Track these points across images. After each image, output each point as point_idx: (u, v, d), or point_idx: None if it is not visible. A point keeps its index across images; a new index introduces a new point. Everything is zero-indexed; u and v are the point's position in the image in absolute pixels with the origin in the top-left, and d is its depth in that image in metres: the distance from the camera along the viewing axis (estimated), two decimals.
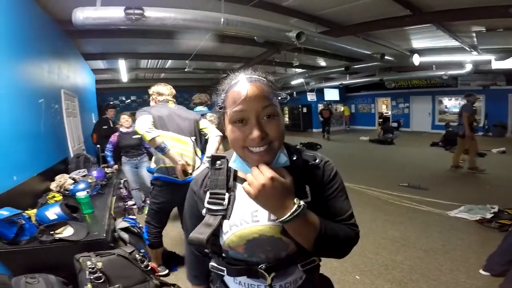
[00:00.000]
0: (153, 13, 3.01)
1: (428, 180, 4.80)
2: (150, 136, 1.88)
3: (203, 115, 2.95)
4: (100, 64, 7.00)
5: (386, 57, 5.69)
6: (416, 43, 6.34)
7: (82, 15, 2.81)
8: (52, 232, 1.56)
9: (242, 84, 0.62)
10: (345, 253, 0.71)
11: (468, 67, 7.43)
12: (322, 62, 8.80)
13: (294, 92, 12.47)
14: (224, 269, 0.73)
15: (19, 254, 1.52)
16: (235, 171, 0.73)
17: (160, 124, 2.08)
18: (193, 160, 2.17)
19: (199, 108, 3.08)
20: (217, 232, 0.70)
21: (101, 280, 1.43)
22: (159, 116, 2.09)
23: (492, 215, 3.18)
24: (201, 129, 2.29)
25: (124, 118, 3.77)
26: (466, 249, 2.64)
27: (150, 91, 2.39)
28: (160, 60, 7.42)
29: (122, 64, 6.36)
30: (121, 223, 2.36)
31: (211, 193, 0.72)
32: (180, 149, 2.11)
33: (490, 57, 6.18)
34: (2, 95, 2.00)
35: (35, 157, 2.48)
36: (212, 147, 2.17)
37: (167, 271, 2.33)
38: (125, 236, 2.29)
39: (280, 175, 0.60)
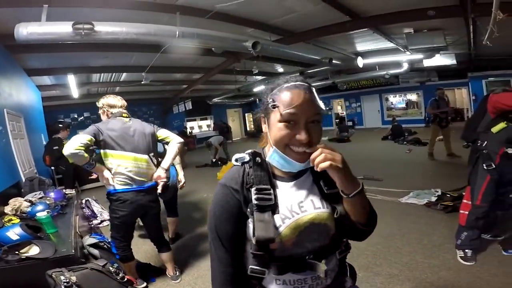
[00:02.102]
0: (103, 28, 2.97)
1: (381, 171, 5.21)
2: (72, 158, 1.81)
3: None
4: (46, 80, 6.53)
5: (334, 61, 6.19)
6: (360, 47, 6.97)
7: (26, 30, 2.69)
8: (17, 251, 1.48)
9: (297, 89, 0.69)
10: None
11: (405, 66, 8.34)
12: (280, 68, 9.20)
13: (257, 99, 12.75)
14: (266, 270, 0.71)
15: None
16: (271, 169, 0.77)
17: (110, 143, 1.99)
18: (150, 176, 2.15)
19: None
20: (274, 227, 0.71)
21: None
22: (110, 136, 1.99)
23: (436, 198, 3.53)
24: (161, 139, 2.25)
25: None
26: (419, 231, 2.86)
27: (99, 104, 2.24)
28: (114, 74, 7.14)
29: (71, 79, 5.98)
30: (88, 240, 2.26)
31: (257, 189, 0.72)
32: (134, 167, 2.05)
33: (420, 56, 7.00)
34: None
35: None
36: (171, 153, 2.21)
37: (144, 284, 2.27)
38: (95, 252, 2.19)
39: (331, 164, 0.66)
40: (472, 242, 2.24)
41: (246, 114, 17.41)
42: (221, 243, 0.76)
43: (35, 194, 2.63)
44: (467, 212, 2.23)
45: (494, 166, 2.08)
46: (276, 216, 0.71)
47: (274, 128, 0.70)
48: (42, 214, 1.96)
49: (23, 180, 3.22)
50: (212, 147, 8.39)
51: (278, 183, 0.77)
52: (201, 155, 9.57)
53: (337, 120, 15.01)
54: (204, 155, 9.17)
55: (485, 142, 2.16)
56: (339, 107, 16.08)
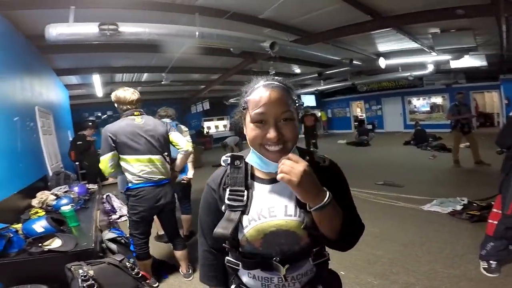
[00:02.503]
0: (127, 28, 3.06)
1: (402, 177, 5.01)
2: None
3: (176, 125, 3.03)
4: (73, 79, 6.86)
5: (354, 61, 6.04)
6: (381, 47, 6.75)
7: (55, 31, 2.81)
8: (41, 244, 1.57)
9: (264, 89, 0.70)
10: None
11: (430, 67, 7.97)
12: (297, 69, 9.13)
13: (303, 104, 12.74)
14: (239, 263, 0.78)
15: (10, 266, 1.52)
16: (252, 170, 0.80)
17: (123, 148, 2.01)
18: (166, 173, 2.18)
19: (164, 120, 3.10)
20: (236, 227, 0.74)
21: (94, 287, 1.45)
22: (122, 140, 2.01)
23: (462, 206, 3.34)
24: (171, 142, 2.26)
25: None
26: (441, 240, 2.75)
27: (112, 97, 2.19)
28: (136, 74, 7.39)
29: (96, 79, 6.27)
30: (108, 234, 2.36)
31: (231, 190, 0.77)
32: (149, 168, 2.08)
33: (447, 57, 6.65)
34: None
35: (14, 175, 2.44)
36: (179, 162, 2.28)
37: (157, 284, 2.33)
38: (113, 246, 2.29)
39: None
40: (498, 253, 2.12)
41: None
42: (202, 232, 0.88)
43: (61, 188, 2.76)
44: (496, 222, 2.11)
45: None
46: (244, 217, 0.75)
47: (248, 129, 0.73)
48: (66, 208, 2.05)
49: (50, 174, 3.40)
50: (228, 147, 8.46)
51: (256, 184, 0.79)
52: (217, 155, 9.62)
53: (356, 123, 14.66)
54: (220, 155, 9.18)
55: None
56: (358, 110, 15.69)
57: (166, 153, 2.18)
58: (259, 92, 0.71)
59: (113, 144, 1.99)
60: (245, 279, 0.81)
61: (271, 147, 0.70)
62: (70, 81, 6.91)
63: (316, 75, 7.96)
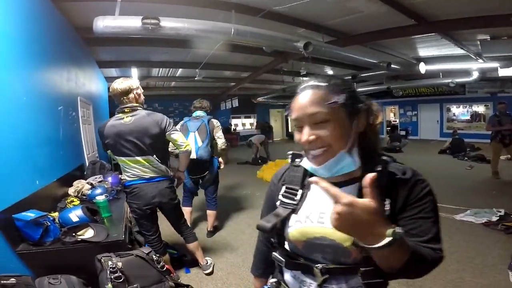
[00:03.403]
0: (168, 23, 3.11)
1: (436, 186, 4.72)
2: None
3: (209, 120, 3.06)
4: (113, 72, 7.20)
5: (392, 65, 5.75)
6: (422, 52, 6.38)
7: (103, 23, 2.90)
8: (74, 233, 1.62)
9: (301, 92, 0.69)
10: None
11: (475, 75, 7.41)
12: (330, 71, 8.88)
13: None
14: (284, 260, 0.77)
15: (43, 255, 1.56)
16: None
17: (111, 148, 2.00)
18: (161, 171, 2.11)
19: (198, 112, 3.20)
20: (284, 224, 0.75)
21: (121, 280, 1.48)
22: (109, 142, 1.98)
23: (498, 218, 3.24)
24: (171, 142, 2.18)
25: None
26: (472, 250, 2.71)
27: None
28: (171, 69, 7.59)
29: (134, 72, 6.54)
30: (136, 226, 2.43)
31: (286, 187, 0.78)
32: (141, 169, 2.04)
33: (495, 65, 6.17)
34: (25, 102, 2.08)
35: (55, 163, 2.56)
36: (181, 163, 2.26)
37: (179, 278, 2.34)
38: (141, 238, 2.36)
39: (367, 195, 0.51)
40: None
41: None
42: None
43: (96, 178, 2.88)
44: None
45: None
46: (293, 216, 0.74)
47: (294, 134, 0.73)
48: (100, 198, 2.07)
49: (87, 163, 3.58)
50: (253, 145, 8.48)
51: (313, 186, 0.71)
52: (243, 152, 9.74)
53: (388, 128, 14.05)
54: (246, 153, 9.32)
55: None
56: (391, 114, 14.97)
57: (157, 155, 2.06)
58: (296, 97, 0.70)
59: (104, 145, 2.04)
60: (286, 276, 0.80)
61: (312, 151, 0.67)
62: (110, 74, 7.26)
63: (350, 77, 7.68)
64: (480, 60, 6.20)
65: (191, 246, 2.44)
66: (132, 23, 3.00)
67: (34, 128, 2.19)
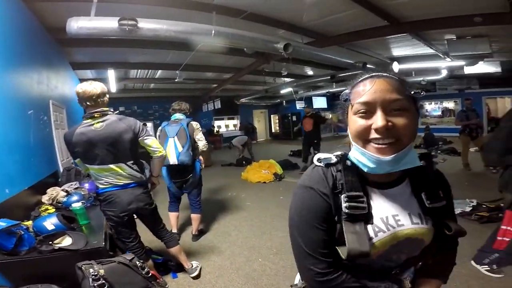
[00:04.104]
0: (146, 25, 3.06)
1: None
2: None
3: (188, 123, 2.99)
4: (88, 73, 6.93)
5: (368, 65, 5.95)
6: (396, 52, 6.66)
7: (77, 24, 2.82)
8: (51, 242, 1.55)
9: (369, 79, 0.63)
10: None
11: (444, 73, 7.87)
12: (310, 71, 9.05)
13: (284, 101, 12.63)
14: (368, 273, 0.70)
15: (19, 264, 1.49)
16: (365, 174, 0.67)
17: (81, 158, 1.89)
18: (136, 178, 2.02)
19: (177, 115, 3.11)
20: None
21: (105, 287, 1.43)
22: (77, 150, 1.84)
23: (471, 208, 3.40)
24: (145, 147, 2.08)
25: None
26: None
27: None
28: (150, 70, 7.42)
29: (111, 74, 6.32)
30: None
31: (348, 196, 0.65)
32: (115, 176, 1.93)
33: (461, 63, 6.57)
34: None
35: (26, 170, 2.43)
36: (155, 168, 2.20)
37: (167, 284, 2.25)
38: (123, 245, 2.27)
39: None
40: (501, 260, 2.14)
41: (272, 116, 17.35)
42: (308, 250, 0.68)
43: (71, 184, 2.76)
44: (508, 239, 2.07)
45: None
46: (368, 227, 0.65)
47: (351, 123, 0.64)
48: (77, 205, 2.01)
49: (61, 169, 3.41)
50: (235, 148, 8.48)
51: (371, 190, 0.68)
52: (226, 154, 9.69)
53: None
54: (230, 154, 9.29)
55: None
56: None
57: (131, 162, 1.96)
58: (364, 83, 0.63)
59: (72, 153, 1.92)
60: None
61: (379, 141, 0.59)
62: (85, 75, 6.99)
63: (329, 77, 7.87)
64: (448, 59, 6.54)
65: (173, 250, 2.38)
66: (109, 24, 2.92)
67: (0, 133, 2.06)
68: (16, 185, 2.14)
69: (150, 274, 1.74)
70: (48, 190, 2.47)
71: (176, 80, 6.83)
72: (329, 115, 15.86)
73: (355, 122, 0.62)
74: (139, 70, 7.33)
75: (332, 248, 0.67)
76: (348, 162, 0.68)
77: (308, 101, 13.77)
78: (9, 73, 2.34)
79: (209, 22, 3.50)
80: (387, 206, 0.67)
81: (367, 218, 0.65)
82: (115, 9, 3.29)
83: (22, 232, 1.51)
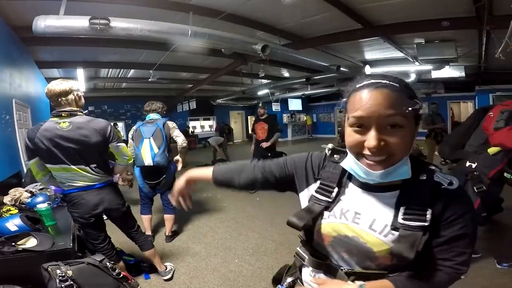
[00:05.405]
0: (119, 24, 2.99)
1: None
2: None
3: (164, 124, 2.93)
4: (55, 72, 6.58)
5: (341, 68, 6.18)
6: (368, 55, 6.94)
7: (44, 23, 2.71)
8: (14, 243, 1.46)
9: (367, 89, 0.59)
10: None
11: (413, 77, 8.28)
12: (286, 73, 9.21)
13: (261, 103, 12.67)
14: (306, 257, 0.76)
15: None
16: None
17: (42, 156, 1.77)
18: (98, 180, 1.92)
19: (152, 115, 3.03)
20: (316, 220, 0.71)
21: None
22: (39, 147, 1.73)
23: None
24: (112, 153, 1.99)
25: None
26: None
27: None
28: (122, 70, 7.18)
29: (80, 73, 6.04)
30: None
31: (321, 183, 0.74)
32: (78, 177, 1.84)
33: (429, 67, 6.94)
34: None
35: None
36: (118, 171, 2.15)
37: (139, 285, 2.21)
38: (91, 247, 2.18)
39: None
40: None
41: (248, 117, 17.37)
42: (264, 162, 0.88)
43: (36, 185, 2.61)
44: None
45: (484, 189, 2.04)
46: (325, 212, 0.71)
47: (346, 134, 0.64)
48: (42, 206, 1.93)
49: (25, 170, 3.21)
50: (210, 147, 8.40)
51: (351, 185, 0.71)
52: (201, 155, 9.57)
53: (339, 128, 14.88)
54: (204, 155, 9.20)
55: (476, 163, 2.09)
56: (342, 115, 15.97)
57: (94, 165, 1.86)
58: (360, 92, 0.60)
59: (31, 151, 1.77)
60: (304, 276, 0.78)
61: (371, 157, 0.59)
62: (51, 74, 6.62)
63: (304, 79, 8.05)
64: (417, 63, 6.91)
65: (147, 253, 2.32)
66: (79, 23, 2.84)
67: None
68: None
69: (122, 275, 1.70)
70: (11, 191, 2.32)
71: (149, 80, 6.66)
72: (303, 117, 16.26)
73: (350, 135, 0.62)
74: (111, 69, 7.08)
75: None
76: (336, 157, 0.75)
77: (284, 103, 14.03)
78: None
79: (186, 23, 3.46)
80: (356, 204, 0.68)
81: (328, 205, 0.71)
82: (86, 8, 3.20)
83: None
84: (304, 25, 4.71)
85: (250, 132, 5.71)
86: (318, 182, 0.75)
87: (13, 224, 1.59)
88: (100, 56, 5.88)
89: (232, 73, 7.84)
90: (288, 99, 14.09)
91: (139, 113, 10.78)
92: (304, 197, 0.78)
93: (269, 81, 9.60)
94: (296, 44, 5.30)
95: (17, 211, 2.05)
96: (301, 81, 8.36)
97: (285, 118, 15.29)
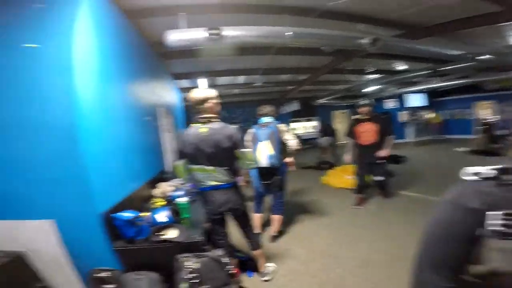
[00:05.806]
0: (229, 32, 3.24)
1: None
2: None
3: (277, 126, 3.11)
4: (185, 83, 7.86)
5: (481, 56, 4.92)
6: None
7: (173, 37, 3.12)
8: (161, 233, 1.82)
9: None
10: None
11: None
12: (399, 66, 8.08)
13: (363, 100, 11.56)
14: None
15: (133, 252, 1.75)
16: None
17: (189, 156, 2.14)
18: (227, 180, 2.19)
19: (265, 119, 3.22)
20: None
21: (196, 281, 1.60)
22: (187, 151, 2.13)
23: None
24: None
25: None
26: None
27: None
28: (233, 76, 7.89)
29: (201, 82, 7.02)
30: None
31: (506, 214, 0.62)
32: (204, 176, 2.15)
33: None
34: (122, 112, 2.43)
35: (145, 168, 2.96)
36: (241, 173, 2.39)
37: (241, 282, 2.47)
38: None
39: None
40: None
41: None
42: (432, 262, 0.71)
43: (178, 181, 3.04)
44: None
45: None
46: None
47: None
48: (182, 200, 2.19)
49: (168, 168, 3.98)
50: (316, 148, 8.25)
51: None
52: (304, 157, 9.57)
53: (483, 127, 11.69)
54: (308, 157, 9.16)
55: None
56: (485, 111, 12.44)
57: (226, 167, 2.14)
58: None
59: (182, 153, 2.17)
60: None
61: None
62: (183, 85, 8.00)
63: (428, 71, 6.85)
64: None
65: (256, 252, 2.53)
66: (198, 34, 3.16)
67: (129, 137, 2.54)
68: (139, 180, 2.63)
69: (233, 271, 1.86)
70: (161, 184, 2.89)
71: (256, 84, 7.00)
72: (427, 115, 13.61)
73: None
74: (224, 77, 7.83)
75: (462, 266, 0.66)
76: (509, 178, 0.63)
77: (400, 99, 12.26)
78: (130, 84, 2.81)
79: (281, 25, 3.46)
80: None
81: None
82: (196, 21, 3.41)
83: (142, 223, 1.83)
84: (418, 13, 3.99)
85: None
86: (494, 213, 0.61)
87: (164, 215, 1.95)
88: (216, 66, 6.58)
89: (333, 71, 7.45)
90: (405, 95, 12.25)
91: (249, 116, 11.57)
92: None
93: (379, 75, 8.65)
94: (410, 33, 4.56)
95: (165, 202, 2.52)
96: (424, 73, 7.13)
97: (403, 116, 13.32)
